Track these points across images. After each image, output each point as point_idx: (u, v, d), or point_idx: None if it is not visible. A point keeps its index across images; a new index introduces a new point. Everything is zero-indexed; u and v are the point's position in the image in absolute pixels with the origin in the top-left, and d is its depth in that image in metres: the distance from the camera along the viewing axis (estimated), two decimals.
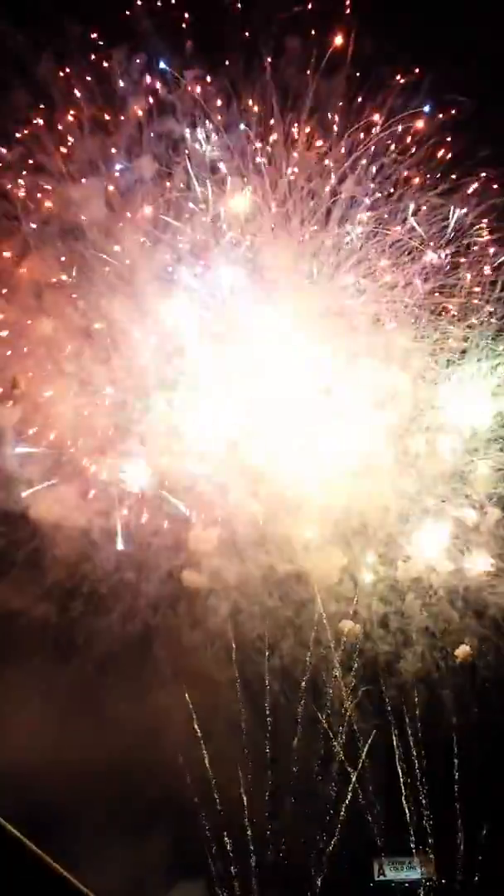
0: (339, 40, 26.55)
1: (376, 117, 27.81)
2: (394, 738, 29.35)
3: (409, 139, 28.33)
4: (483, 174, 28.28)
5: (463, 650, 29.49)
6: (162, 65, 27.34)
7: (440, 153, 28.44)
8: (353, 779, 28.54)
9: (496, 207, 28.79)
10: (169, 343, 27.94)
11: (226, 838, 27.55)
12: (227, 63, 27.13)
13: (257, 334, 28.83)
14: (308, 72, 26.93)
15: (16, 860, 13.58)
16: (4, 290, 27.11)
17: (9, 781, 20.57)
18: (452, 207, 28.70)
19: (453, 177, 28.52)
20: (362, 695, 29.46)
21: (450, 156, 28.40)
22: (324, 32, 26.53)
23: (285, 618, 28.59)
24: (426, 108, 27.64)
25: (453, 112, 27.75)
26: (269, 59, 26.85)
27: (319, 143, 28.14)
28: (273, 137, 28.00)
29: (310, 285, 29.22)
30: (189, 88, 27.50)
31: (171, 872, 26.57)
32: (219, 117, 27.82)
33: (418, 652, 29.69)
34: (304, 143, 28.19)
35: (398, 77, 27.10)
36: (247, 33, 26.71)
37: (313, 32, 26.59)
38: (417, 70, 27.16)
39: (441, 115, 27.91)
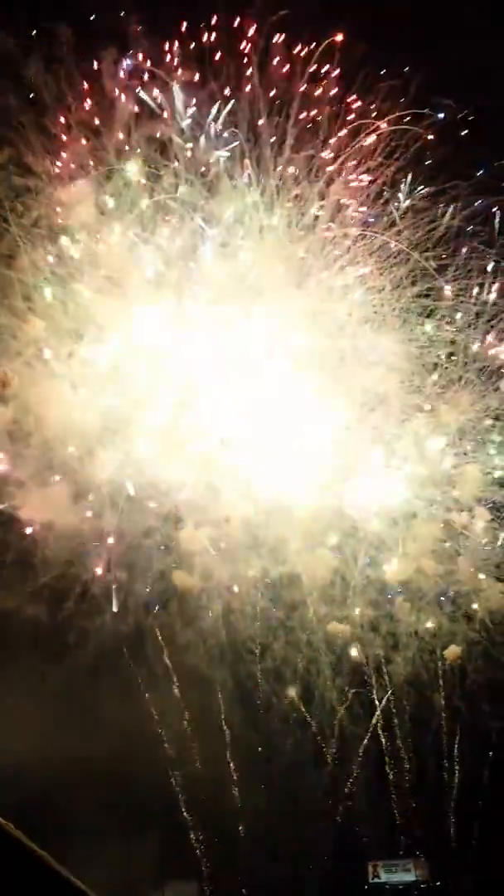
0: (329, 43, 26.85)
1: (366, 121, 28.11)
2: (383, 740, 29.31)
3: (396, 142, 28.58)
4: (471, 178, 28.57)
5: (452, 651, 29.48)
6: (151, 67, 27.42)
7: (428, 157, 28.72)
8: (348, 781, 28.50)
9: (483, 211, 29.17)
10: (158, 344, 27.81)
11: (218, 840, 27.32)
12: (216, 65, 27.36)
13: (246, 336, 28.87)
14: (298, 73, 27.23)
15: (15, 858, 13.38)
16: None
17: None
18: (440, 210, 28.98)
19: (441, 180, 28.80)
20: (353, 697, 29.37)
21: (438, 159, 28.67)
22: (314, 35, 26.77)
23: (276, 619, 28.52)
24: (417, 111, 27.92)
25: (441, 116, 28.00)
26: (258, 62, 27.12)
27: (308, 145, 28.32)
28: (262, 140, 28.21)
29: (297, 288, 29.29)
30: (178, 90, 27.62)
31: (163, 873, 26.33)
32: (208, 119, 27.93)
33: (408, 655, 29.63)
34: (292, 145, 28.37)
35: (387, 80, 27.37)
36: (236, 35, 27.00)
37: (303, 35, 26.83)
38: (405, 75, 27.55)
39: (429, 119, 28.18)
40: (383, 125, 27.85)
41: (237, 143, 27.83)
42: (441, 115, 27.81)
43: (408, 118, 27.64)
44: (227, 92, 27.52)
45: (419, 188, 28.83)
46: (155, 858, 26.14)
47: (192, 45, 27.17)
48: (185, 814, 27.06)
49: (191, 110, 27.67)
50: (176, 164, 28.09)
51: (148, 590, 26.90)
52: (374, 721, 29.29)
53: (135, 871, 24.94)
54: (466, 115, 27.67)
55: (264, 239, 28.75)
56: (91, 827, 23.87)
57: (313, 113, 27.89)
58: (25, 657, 24.89)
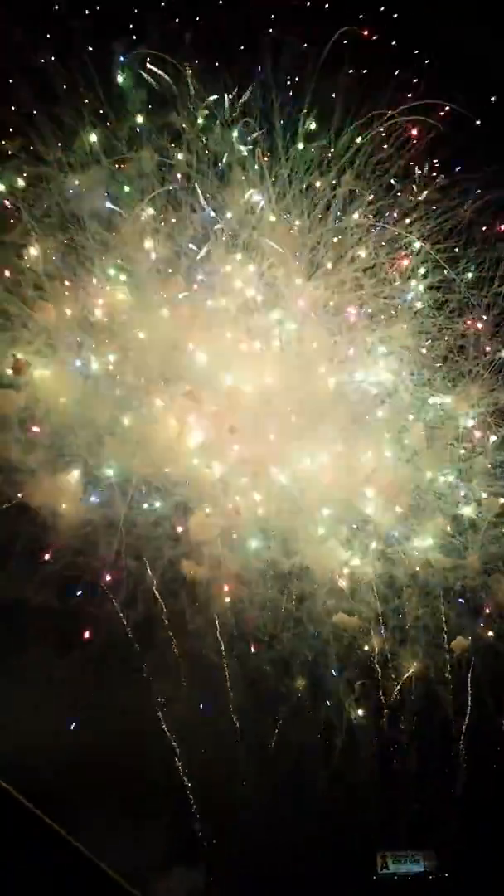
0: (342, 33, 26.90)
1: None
2: (390, 732, 29.34)
3: (409, 134, 28.59)
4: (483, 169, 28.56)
5: (459, 643, 29.49)
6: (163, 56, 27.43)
7: (440, 148, 28.71)
8: (356, 772, 28.45)
9: (495, 202, 29.16)
10: (167, 333, 27.87)
11: (225, 828, 27.28)
12: (228, 55, 27.39)
13: (256, 327, 28.94)
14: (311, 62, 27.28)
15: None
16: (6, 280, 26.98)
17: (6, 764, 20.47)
18: (453, 202, 28.98)
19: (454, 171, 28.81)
20: (360, 690, 29.38)
21: (450, 151, 28.68)
22: (327, 25, 26.79)
23: (285, 610, 28.55)
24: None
25: (454, 107, 27.98)
26: (272, 51, 27.17)
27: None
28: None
29: (308, 279, 29.33)
30: (190, 80, 27.65)
31: (169, 860, 26.35)
32: (220, 110, 27.98)
33: (416, 649, 29.65)
34: (303, 136, 28.42)
35: (400, 71, 27.42)
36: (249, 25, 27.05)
37: (316, 25, 26.85)
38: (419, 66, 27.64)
39: (442, 112, 28.18)
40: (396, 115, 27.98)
41: (255, 134, 27.96)
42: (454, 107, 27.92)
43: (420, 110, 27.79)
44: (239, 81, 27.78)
45: (433, 179, 28.94)
46: (160, 845, 26.12)
47: (207, 34, 27.29)
48: (191, 801, 27.07)
49: (205, 100, 27.74)
50: (188, 153, 28.19)
51: (156, 579, 26.90)
52: (382, 714, 29.30)
53: (140, 858, 24.90)
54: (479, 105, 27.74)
55: (275, 230, 28.77)
56: (97, 813, 23.85)
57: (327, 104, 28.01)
58: (34, 645, 24.95)
